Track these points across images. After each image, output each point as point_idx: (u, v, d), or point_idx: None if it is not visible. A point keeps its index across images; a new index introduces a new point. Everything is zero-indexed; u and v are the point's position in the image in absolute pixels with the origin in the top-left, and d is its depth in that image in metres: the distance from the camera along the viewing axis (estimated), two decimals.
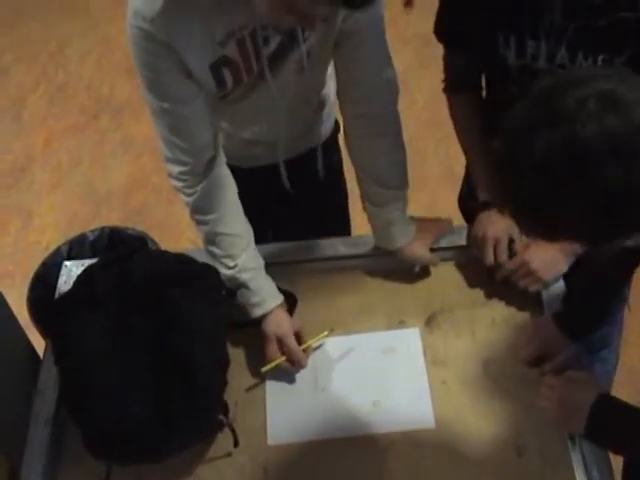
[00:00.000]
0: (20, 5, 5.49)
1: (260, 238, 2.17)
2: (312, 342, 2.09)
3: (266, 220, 2.40)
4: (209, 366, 1.92)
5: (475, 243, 2.19)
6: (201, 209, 2.02)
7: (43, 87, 4.90)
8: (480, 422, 1.95)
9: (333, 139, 2.45)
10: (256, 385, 2.08)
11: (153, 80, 1.85)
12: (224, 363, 2.00)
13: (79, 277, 2.07)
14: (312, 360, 2.09)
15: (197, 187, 1.98)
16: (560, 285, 2.15)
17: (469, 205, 2.36)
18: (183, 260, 2.06)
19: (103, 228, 3.22)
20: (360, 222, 2.43)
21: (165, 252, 2.21)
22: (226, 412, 1.96)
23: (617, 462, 1.90)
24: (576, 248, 2.03)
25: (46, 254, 3.18)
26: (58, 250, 3.14)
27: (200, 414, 1.89)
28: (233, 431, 1.93)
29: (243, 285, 2.06)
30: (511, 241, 2.14)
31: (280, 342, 2.04)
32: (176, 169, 1.97)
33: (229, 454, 1.95)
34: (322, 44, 1.93)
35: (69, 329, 1.95)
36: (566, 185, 1.21)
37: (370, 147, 2.10)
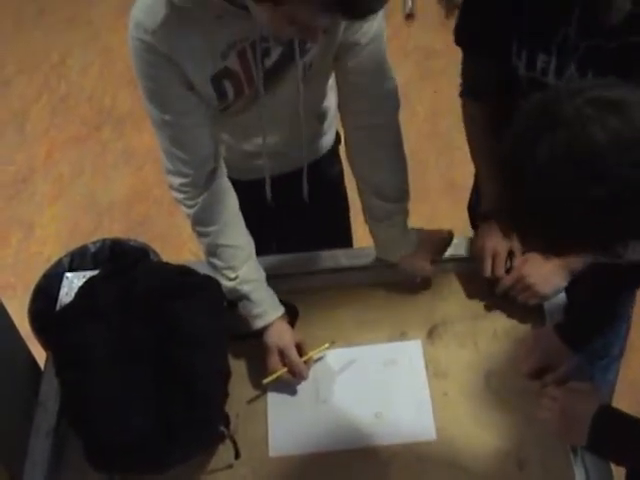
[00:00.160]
0: (22, 16, 5.51)
1: (263, 250, 2.17)
2: (313, 354, 2.08)
3: (268, 232, 2.40)
4: (210, 378, 1.92)
5: (475, 254, 2.20)
6: (202, 221, 2.02)
7: (45, 98, 4.90)
8: (482, 434, 1.95)
9: (334, 151, 2.45)
10: (257, 397, 2.07)
11: (154, 92, 1.86)
12: (225, 375, 2.00)
13: (80, 289, 2.07)
14: (313, 372, 2.09)
15: (198, 199, 1.98)
16: (561, 296, 2.14)
17: (478, 213, 2.35)
18: (184, 272, 2.06)
19: (105, 240, 3.22)
20: (362, 234, 2.43)
21: (167, 264, 2.21)
22: (227, 424, 1.96)
23: (619, 473, 1.90)
24: (574, 262, 2.04)
25: (47, 265, 3.18)
26: (59, 261, 3.14)
27: (201, 425, 1.89)
28: (234, 443, 1.93)
29: (244, 297, 2.06)
30: (511, 254, 2.15)
31: (281, 354, 2.04)
32: (177, 181, 1.97)
33: (230, 466, 1.95)
34: (323, 56, 1.94)
35: (71, 341, 1.95)
36: (570, 188, 1.21)
37: (371, 159, 2.11)
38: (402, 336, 2.16)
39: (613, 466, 1.86)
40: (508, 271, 2.14)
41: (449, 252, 2.30)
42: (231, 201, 2.06)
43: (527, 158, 1.24)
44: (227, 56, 1.82)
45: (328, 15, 1.53)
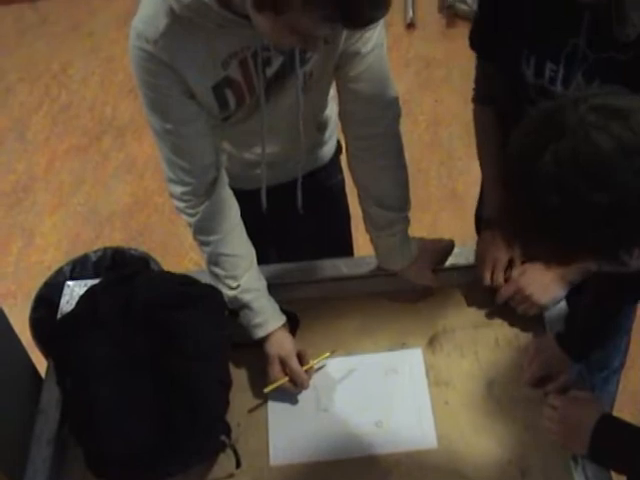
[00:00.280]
0: (24, 26, 5.53)
1: (263, 259, 2.17)
2: (314, 363, 2.08)
3: (269, 242, 2.40)
4: (211, 387, 1.92)
5: (476, 261, 2.20)
6: (203, 230, 2.02)
7: (46, 107, 4.91)
8: (483, 443, 1.95)
9: (335, 160, 2.45)
10: (258, 406, 2.07)
11: (155, 101, 1.86)
12: (226, 384, 2.00)
13: (82, 297, 2.08)
14: (314, 381, 2.09)
15: (199, 208, 1.99)
16: (562, 305, 2.14)
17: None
18: (185, 281, 2.07)
19: (106, 248, 3.22)
20: (363, 243, 2.44)
21: (168, 273, 2.22)
22: (228, 433, 1.96)
23: None
24: (573, 273, 2.04)
25: (48, 274, 3.18)
26: (60, 270, 3.14)
27: (202, 435, 1.89)
28: (235, 452, 1.93)
29: (246, 306, 2.06)
30: (512, 262, 2.15)
31: (282, 363, 2.04)
32: (178, 190, 1.98)
33: (231, 475, 1.94)
34: (324, 65, 1.94)
35: (72, 349, 1.95)
36: (575, 194, 1.21)
37: (372, 168, 2.11)
38: (403, 345, 2.16)
39: (614, 474, 1.86)
40: (507, 280, 2.15)
41: (450, 261, 2.31)
42: (232, 210, 2.06)
43: (532, 165, 1.25)
44: (228, 65, 1.82)
45: (329, 24, 1.53)
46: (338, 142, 2.42)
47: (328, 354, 2.10)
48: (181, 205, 2.00)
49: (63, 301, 2.31)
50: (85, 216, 4.25)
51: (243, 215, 2.08)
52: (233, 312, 2.07)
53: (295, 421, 2.04)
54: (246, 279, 2.06)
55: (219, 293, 2.04)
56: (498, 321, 2.18)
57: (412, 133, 4.28)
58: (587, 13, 1.75)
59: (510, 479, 1.89)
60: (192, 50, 1.77)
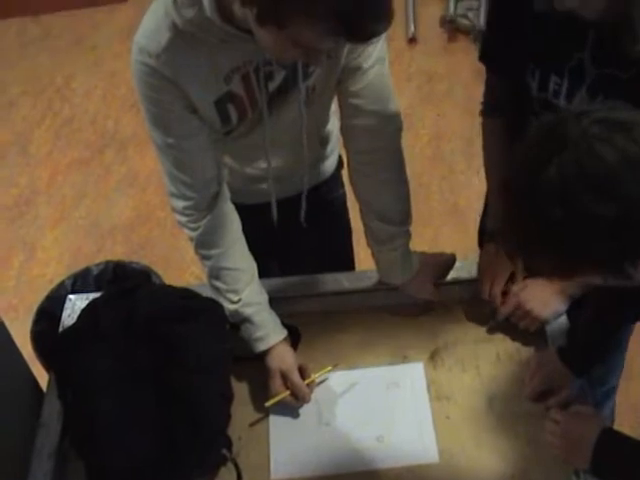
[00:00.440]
0: (26, 39, 5.54)
1: (266, 273, 2.17)
2: (316, 377, 2.08)
3: (271, 256, 2.41)
4: (213, 401, 1.93)
5: (478, 274, 2.21)
6: (205, 244, 2.02)
7: (49, 121, 4.92)
8: (484, 457, 1.95)
9: (337, 175, 2.45)
10: (259, 420, 2.07)
11: (157, 115, 1.87)
12: (228, 397, 2.00)
13: (83, 311, 2.08)
14: (315, 395, 2.09)
15: (201, 222, 1.99)
16: (564, 320, 2.14)
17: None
18: (187, 295, 2.07)
19: (107, 262, 3.21)
20: (364, 257, 2.44)
21: (169, 286, 2.22)
22: (229, 447, 1.96)
23: None
24: (573, 287, 2.04)
25: (50, 287, 3.17)
26: (62, 284, 3.14)
27: (204, 448, 1.89)
28: (236, 466, 1.93)
29: (247, 320, 2.06)
30: (514, 276, 2.15)
31: (284, 377, 2.04)
32: (180, 204, 1.98)
33: None
34: (326, 79, 1.94)
35: (73, 362, 1.95)
36: (579, 206, 1.21)
37: (373, 182, 2.11)
38: (404, 359, 2.16)
39: None
40: (506, 294, 2.15)
41: (451, 275, 2.31)
42: (234, 224, 2.06)
43: (536, 178, 1.25)
44: (231, 80, 1.83)
45: (332, 37, 1.54)
46: (340, 157, 2.42)
47: (330, 368, 2.10)
48: (183, 219, 2.00)
49: (65, 314, 2.31)
50: (87, 230, 4.26)
51: (245, 229, 2.09)
52: (234, 326, 2.07)
53: (296, 435, 2.04)
54: (247, 293, 2.06)
55: (220, 307, 2.04)
56: (499, 335, 2.18)
57: (414, 147, 4.29)
58: (592, 30, 1.76)
59: None
60: (194, 65, 1.77)
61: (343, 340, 2.20)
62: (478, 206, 2.47)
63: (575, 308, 2.09)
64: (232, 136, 1.99)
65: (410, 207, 2.17)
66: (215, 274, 2.05)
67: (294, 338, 2.15)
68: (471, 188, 3.94)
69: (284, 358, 2.06)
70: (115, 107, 4.94)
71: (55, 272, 3.94)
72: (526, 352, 2.13)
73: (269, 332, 2.07)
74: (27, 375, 2.35)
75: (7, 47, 5.50)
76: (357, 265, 2.78)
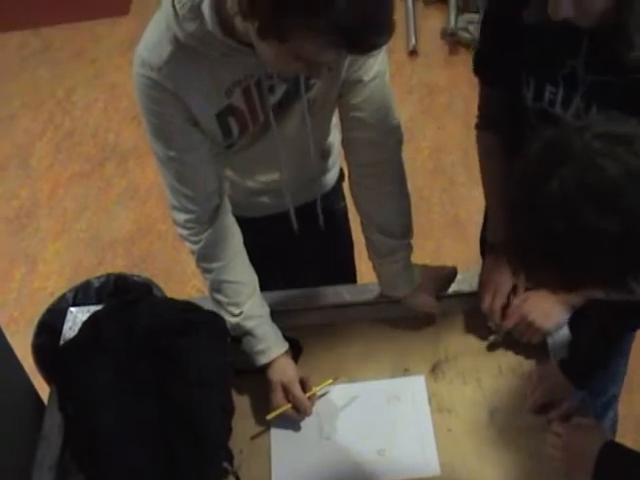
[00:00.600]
0: (27, 52, 5.56)
1: (267, 286, 2.17)
2: (317, 390, 2.08)
3: (272, 268, 2.40)
4: (214, 414, 1.92)
5: (479, 288, 2.21)
6: (206, 257, 2.02)
7: (50, 134, 4.93)
8: (486, 470, 1.94)
9: (338, 187, 2.45)
10: (261, 433, 2.07)
11: (159, 128, 1.87)
12: (229, 410, 2.00)
13: (84, 323, 2.08)
14: (317, 408, 2.09)
15: (202, 235, 1.99)
16: (565, 332, 2.14)
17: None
18: (188, 308, 2.07)
19: (109, 275, 3.21)
20: (366, 270, 2.43)
21: (170, 299, 2.22)
22: (231, 460, 1.96)
23: None
24: (574, 298, 2.03)
25: (51, 300, 3.17)
26: (63, 296, 3.13)
27: (205, 462, 1.89)
28: (238, 479, 1.93)
29: (248, 333, 2.06)
30: (515, 289, 2.15)
31: (285, 390, 2.04)
32: (182, 217, 1.98)
33: None
34: (327, 92, 1.95)
35: (74, 375, 1.95)
36: (582, 220, 1.21)
37: (374, 195, 2.11)
38: (405, 371, 2.16)
39: None
40: (506, 307, 2.14)
41: (453, 288, 2.31)
42: (235, 237, 2.06)
43: (537, 193, 1.25)
44: (232, 94, 1.83)
45: (333, 50, 1.54)
46: (341, 169, 2.42)
47: (331, 381, 2.10)
48: (184, 232, 2.00)
49: (66, 327, 2.31)
50: (88, 242, 4.26)
51: (246, 242, 2.09)
52: (236, 339, 2.07)
53: (298, 448, 2.04)
54: (249, 306, 2.06)
55: (221, 319, 2.04)
56: (501, 348, 2.18)
57: (415, 160, 4.29)
58: (586, 38, 1.76)
59: None
60: (196, 78, 1.77)
61: (344, 353, 2.20)
62: (479, 218, 2.47)
63: (576, 319, 2.09)
64: (233, 149, 1.99)
65: (411, 220, 2.17)
66: (216, 287, 2.05)
67: (295, 351, 2.15)
68: (472, 200, 3.93)
69: (285, 371, 2.06)
70: (116, 120, 4.95)
71: (56, 285, 3.94)
72: (528, 365, 2.13)
73: (270, 345, 2.07)
74: (28, 388, 2.35)
75: (8, 60, 5.51)
76: (359, 278, 2.78)
